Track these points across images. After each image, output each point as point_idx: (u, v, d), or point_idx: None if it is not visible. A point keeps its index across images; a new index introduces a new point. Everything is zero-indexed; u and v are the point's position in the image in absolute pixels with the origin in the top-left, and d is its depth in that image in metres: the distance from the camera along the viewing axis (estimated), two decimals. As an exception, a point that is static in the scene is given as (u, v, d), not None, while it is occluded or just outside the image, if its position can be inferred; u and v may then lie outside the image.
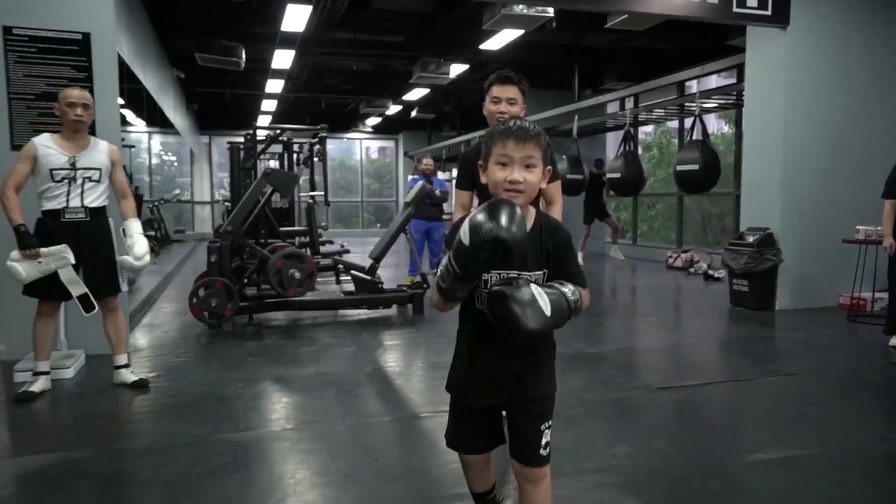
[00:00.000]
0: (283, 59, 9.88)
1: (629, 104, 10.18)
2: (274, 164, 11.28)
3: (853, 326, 5.32)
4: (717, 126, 11.96)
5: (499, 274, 1.54)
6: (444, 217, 8.09)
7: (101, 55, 4.25)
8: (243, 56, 8.74)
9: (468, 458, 1.78)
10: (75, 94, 3.51)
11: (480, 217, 1.37)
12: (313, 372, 4.04)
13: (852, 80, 6.07)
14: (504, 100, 2.68)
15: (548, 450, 1.65)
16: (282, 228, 6.86)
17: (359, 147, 20.21)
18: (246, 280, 5.58)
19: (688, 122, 9.00)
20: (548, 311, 1.43)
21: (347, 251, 8.39)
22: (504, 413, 1.72)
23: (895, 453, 2.74)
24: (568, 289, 1.52)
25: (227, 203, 15.94)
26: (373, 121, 17.32)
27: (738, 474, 2.50)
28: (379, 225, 19.97)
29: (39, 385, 3.47)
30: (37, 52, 4.12)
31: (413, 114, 15.28)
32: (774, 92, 6.03)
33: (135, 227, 3.66)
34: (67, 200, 3.46)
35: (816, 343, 4.84)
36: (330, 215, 18.47)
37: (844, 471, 2.56)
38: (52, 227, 3.43)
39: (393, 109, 14.68)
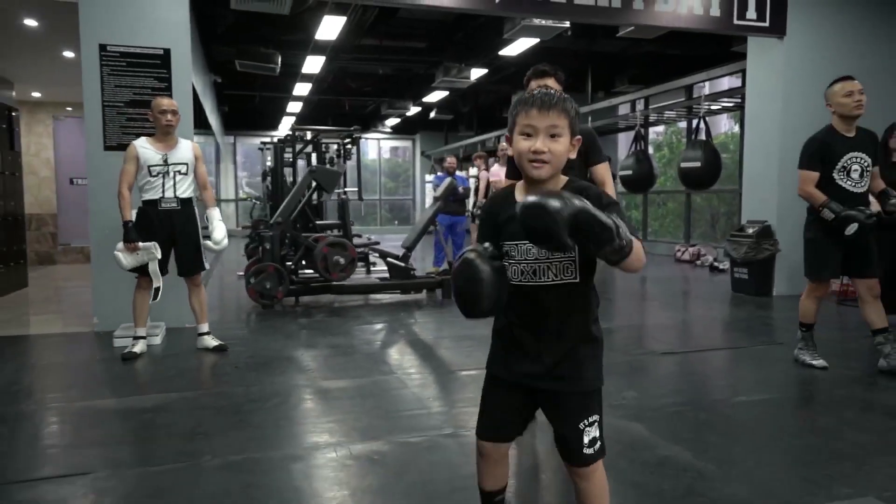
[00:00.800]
0: (313, 64, 10.55)
1: (640, 106, 10.75)
2: (301, 163, 11.95)
3: (842, 309, 5.88)
4: (728, 126, 12.50)
5: (517, 245, 1.52)
6: (467, 212, 8.72)
7: (178, 68, 4.91)
8: (279, 62, 9.42)
9: (485, 448, 1.68)
10: (166, 102, 4.16)
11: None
12: (362, 340, 4.68)
13: (844, 85, 6.60)
14: None
15: (596, 445, 1.57)
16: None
17: (376, 147, 20.87)
18: (293, 266, 6.23)
19: (696, 122, 9.56)
20: (585, 203, 1.26)
21: (377, 243, 9.02)
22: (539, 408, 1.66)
23: (854, 396, 3.33)
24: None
25: (254, 200, 16.66)
26: (392, 121, 17.99)
27: (724, 410, 3.11)
28: (397, 222, 20.63)
29: (139, 347, 4.12)
30: (126, 66, 4.78)
31: (432, 115, 15.90)
32: (773, 96, 6.60)
33: (215, 214, 4.31)
34: (163, 191, 4.11)
35: (806, 322, 5.41)
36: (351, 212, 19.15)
37: (809, 407, 3.16)
38: (151, 215, 4.09)
39: (413, 111, 15.33)
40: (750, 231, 6.61)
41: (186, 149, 4.23)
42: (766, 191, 6.70)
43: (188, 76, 4.99)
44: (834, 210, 3.53)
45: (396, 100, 14.51)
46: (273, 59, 9.30)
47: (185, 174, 4.19)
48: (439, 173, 9.20)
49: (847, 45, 6.58)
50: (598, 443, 1.57)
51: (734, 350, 4.41)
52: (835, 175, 3.65)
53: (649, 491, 2.22)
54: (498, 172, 7.39)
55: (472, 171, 14.63)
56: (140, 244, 4.00)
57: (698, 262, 9.68)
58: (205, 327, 4.33)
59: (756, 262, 6.50)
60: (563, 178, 1.56)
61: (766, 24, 6.29)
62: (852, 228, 3.49)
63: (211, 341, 4.30)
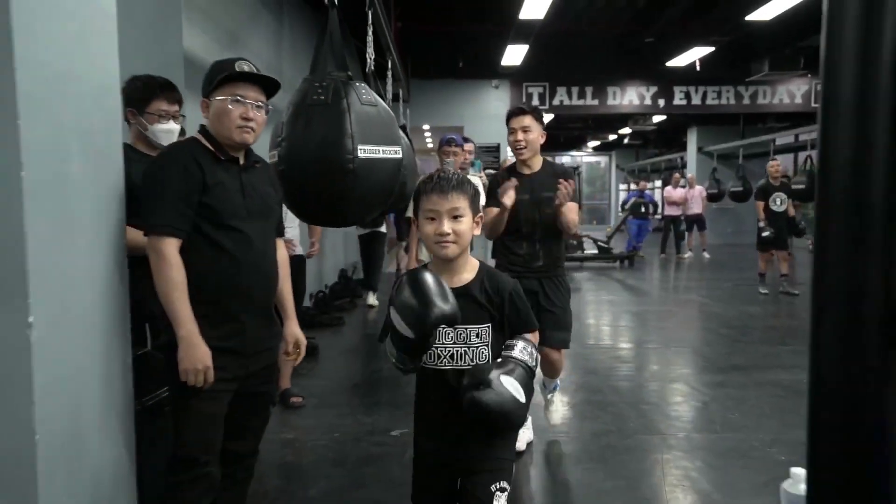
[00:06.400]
0: (546, 118, 16.09)
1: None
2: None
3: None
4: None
5: (443, 328, 1.57)
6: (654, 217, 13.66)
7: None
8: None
9: None
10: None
11: (406, 307, 1.46)
12: (580, 278, 10.09)
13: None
14: (519, 129, 2.92)
15: None
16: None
17: (579, 161, 26.02)
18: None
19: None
20: (522, 398, 1.50)
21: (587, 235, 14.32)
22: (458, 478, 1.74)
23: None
24: (525, 353, 1.59)
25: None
26: (593, 143, 23.12)
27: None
28: (595, 222, 25.58)
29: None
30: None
31: (625, 141, 20.77)
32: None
33: None
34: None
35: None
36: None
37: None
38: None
39: (610, 137, 20.36)
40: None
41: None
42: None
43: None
44: None
45: (598, 132, 19.64)
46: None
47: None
48: (631, 190, 14.30)
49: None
50: None
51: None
52: None
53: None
54: (671, 193, 12.30)
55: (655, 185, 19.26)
56: None
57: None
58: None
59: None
60: (475, 263, 1.69)
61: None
62: None
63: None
